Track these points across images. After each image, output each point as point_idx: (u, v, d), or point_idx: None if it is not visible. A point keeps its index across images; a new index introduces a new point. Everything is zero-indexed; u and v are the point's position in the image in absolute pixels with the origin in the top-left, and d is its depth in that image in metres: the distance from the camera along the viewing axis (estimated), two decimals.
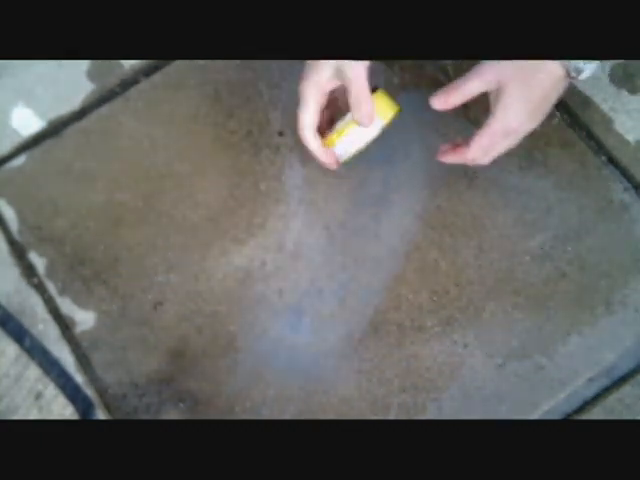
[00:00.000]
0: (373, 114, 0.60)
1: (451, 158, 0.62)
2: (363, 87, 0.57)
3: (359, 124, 0.61)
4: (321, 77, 0.59)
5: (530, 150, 0.79)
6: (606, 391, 0.72)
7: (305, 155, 0.72)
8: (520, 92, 0.53)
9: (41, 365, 0.75)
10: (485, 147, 0.58)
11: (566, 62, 0.52)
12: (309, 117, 0.60)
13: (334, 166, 0.66)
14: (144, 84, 0.85)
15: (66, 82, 0.86)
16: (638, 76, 0.80)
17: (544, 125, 0.79)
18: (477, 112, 0.80)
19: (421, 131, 0.80)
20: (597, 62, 0.53)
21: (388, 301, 0.75)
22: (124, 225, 0.80)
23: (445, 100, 0.57)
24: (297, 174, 0.79)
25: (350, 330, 0.75)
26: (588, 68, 0.53)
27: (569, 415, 0.72)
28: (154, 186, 0.81)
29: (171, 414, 0.74)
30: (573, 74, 0.53)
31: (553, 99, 0.56)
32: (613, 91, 0.80)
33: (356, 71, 0.57)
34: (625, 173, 0.78)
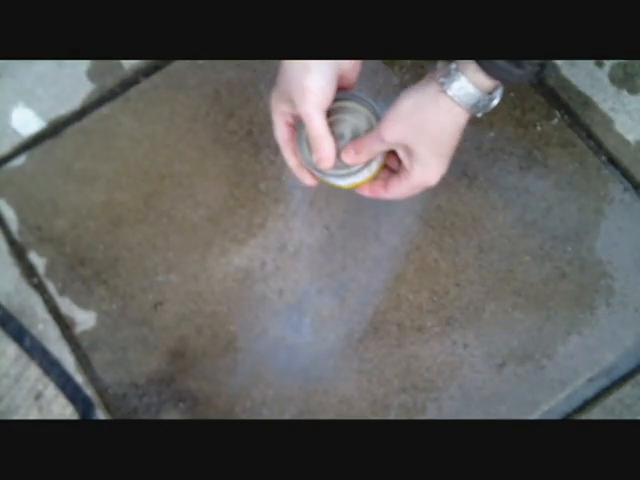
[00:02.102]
0: (330, 157, 0.54)
1: (366, 193, 0.60)
2: (316, 128, 0.53)
3: (318, 166, 0.56)
4: (278, 103, 0.56)
5: (530, 150, 0.79)
6: (606, 391, 0.72)
7: None
8: (432, 151, 0.53)
9: (41, 365, 0.75)
10: (402, 195, 0.58)
11: (474, 107, 0.52)
12: (278, 134, 0.58)
13: (310, 184, 0.62)
14: (144, 84, 0.85)
15: (66, 82, 0.86)
16: (638, 76, 0.80)
17: (544, 125, 0.80)
18: None
19: None
20: (498, 97, 0.53)
21: (388, 301, 0.75)
22: (124, 225, 0.80)
23: (354, 156, 0.55)
24: None
25: (350, 330, 0.75)
26: (492, 104, 0.53)
27: (569, 415, 0.72)
28: (154, 186, 0.81)
29: (171, 414, 0.74)
30: (479, 115, 0.53)
31: (459, 139, 0.55)
32: (613, 91, 0.80)
33: (305, 109, 0.52)
34: (625, 173, 0.78)
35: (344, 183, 0.58)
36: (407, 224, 0.77)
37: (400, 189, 0.57)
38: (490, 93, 0.52)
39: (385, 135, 0.53)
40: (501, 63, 0.48)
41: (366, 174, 0.57)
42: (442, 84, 0.50)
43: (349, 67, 0.55)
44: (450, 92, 0.50)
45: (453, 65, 0.50)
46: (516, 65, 0.48)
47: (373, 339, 0.74)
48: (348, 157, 0.56)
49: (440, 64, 0.52)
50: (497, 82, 0.51)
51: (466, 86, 0.50)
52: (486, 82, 0.50)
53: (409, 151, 0.54)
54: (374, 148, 0.55)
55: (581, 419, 0.71)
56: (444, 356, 0.73)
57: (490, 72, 0.49)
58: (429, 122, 0.52)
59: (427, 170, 0.54)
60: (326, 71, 0.52)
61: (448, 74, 0.50)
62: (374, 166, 0.57)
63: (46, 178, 0.82)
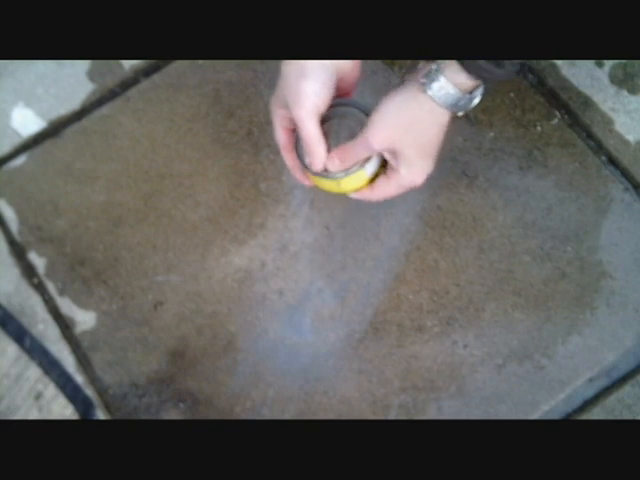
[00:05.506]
0: (321, 161, 0.55)
1: (353, 195, 0.61)
2: (307, 132, 0.53)
3: (310, 168, 0.57)
4: (276, 107, 0.57)
5: (530, 150, 0.79)
6: (606, 391, 0.72)
7: None
8: (417, 152, 0.54)
9: (41, 365, 0.75)
10: (389, 196, 0.59)
11: (454, 107, 0.52)
12: (277, 137, 0.59)
13: (307, 184, 0.63)
14: (144, 84, 0.85)
15: (66, 82, 0.86)
16: (638, 76, 0.80)
17: (544, 125, 0.80)
18: (477, 111, 0.80)
19: None
20: (479, 97, 0.53)
21: (388, 301, 0.75)
22: (124, 225, 0.80)
23: (340, 163, 0.56)
24: None
25: (350, 330, 0.75)
26: (473, 103, 0.54)
27: (569, 415, 0.72)
28: (154, 186, 0.81)
29: (171, 414, 0.74)
30: (460, 114, 0.54)
31: (443, 138, 0.56)
32: (613, 91, 0.80)
33: (298, 114, 0.53)
34: (625, 173, 0.78)
35: (343, 185, 0.58)
36: (407, 224, 0.77)
37: (388, 189, 0.58)
38: (470, 92, 0.52)
39: (373, 142, 0.53)
40: (482, 63, 0.49)
41: (363, 177, 0.57)
42: (423, 84, 0.51)
43: (347, 69, 0.55)
44: (430, 92, 0.51)
45: (434, 65, 0.51)
46: (496, 65, 0.49)
47: (373, 339, 0.74)
48: (333, 165, 0.56)
49: (422, 64, 0.53)
50: (477, 82, 0.51)
51: (446, 86, 0.51)
52: (466, 82, 0.51)
53: (395, 153, 0.54)
54: (360, 154, 0.55)
55: (581, 419, 0.71)
56: (444, 356, 0.73)
57: (471, 71, 0.50)
58: (413, 124, 0.53)
59: (414, 171, 0.55)
60: (322, 75, 0.52)
61: (428, 74, 0.51)
62: (370, 169, 0.57)
63: (46, 178, 0.82)
